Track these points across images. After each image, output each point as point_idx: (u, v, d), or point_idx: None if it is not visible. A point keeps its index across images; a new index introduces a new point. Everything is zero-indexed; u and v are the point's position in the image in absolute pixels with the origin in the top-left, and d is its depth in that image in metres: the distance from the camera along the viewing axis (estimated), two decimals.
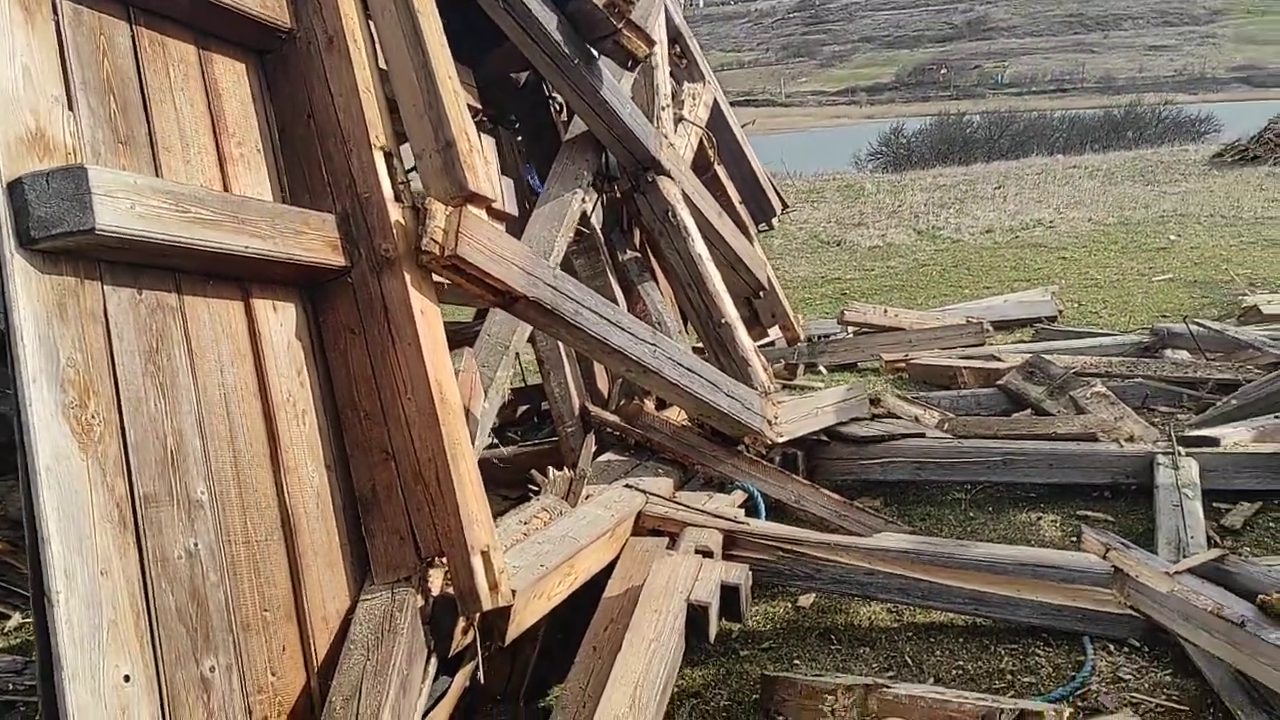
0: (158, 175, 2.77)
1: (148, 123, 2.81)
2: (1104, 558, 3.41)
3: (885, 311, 8.12)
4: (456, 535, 2.92)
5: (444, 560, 2.95)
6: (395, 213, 3.09)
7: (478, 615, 2.98)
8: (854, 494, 5.02)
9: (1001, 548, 3.95)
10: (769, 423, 4.49)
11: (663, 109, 5.36)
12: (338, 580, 2.94)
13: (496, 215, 3.36)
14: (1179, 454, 4.52)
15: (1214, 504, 4.49)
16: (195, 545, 2.56)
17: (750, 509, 4.46)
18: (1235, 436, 4.76)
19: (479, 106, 4.39)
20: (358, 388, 3.07)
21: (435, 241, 3.07)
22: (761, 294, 6.03)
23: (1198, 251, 10.86)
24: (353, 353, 3.09)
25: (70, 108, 2.59)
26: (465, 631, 3.01)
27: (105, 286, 2.53)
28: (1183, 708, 3.25)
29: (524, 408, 6.50)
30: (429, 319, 3.09)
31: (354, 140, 3.13)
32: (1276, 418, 4.91)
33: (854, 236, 14.22)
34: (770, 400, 4.65)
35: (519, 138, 5.39)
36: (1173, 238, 11.70)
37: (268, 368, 2.90)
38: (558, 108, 5.25)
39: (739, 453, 4.54)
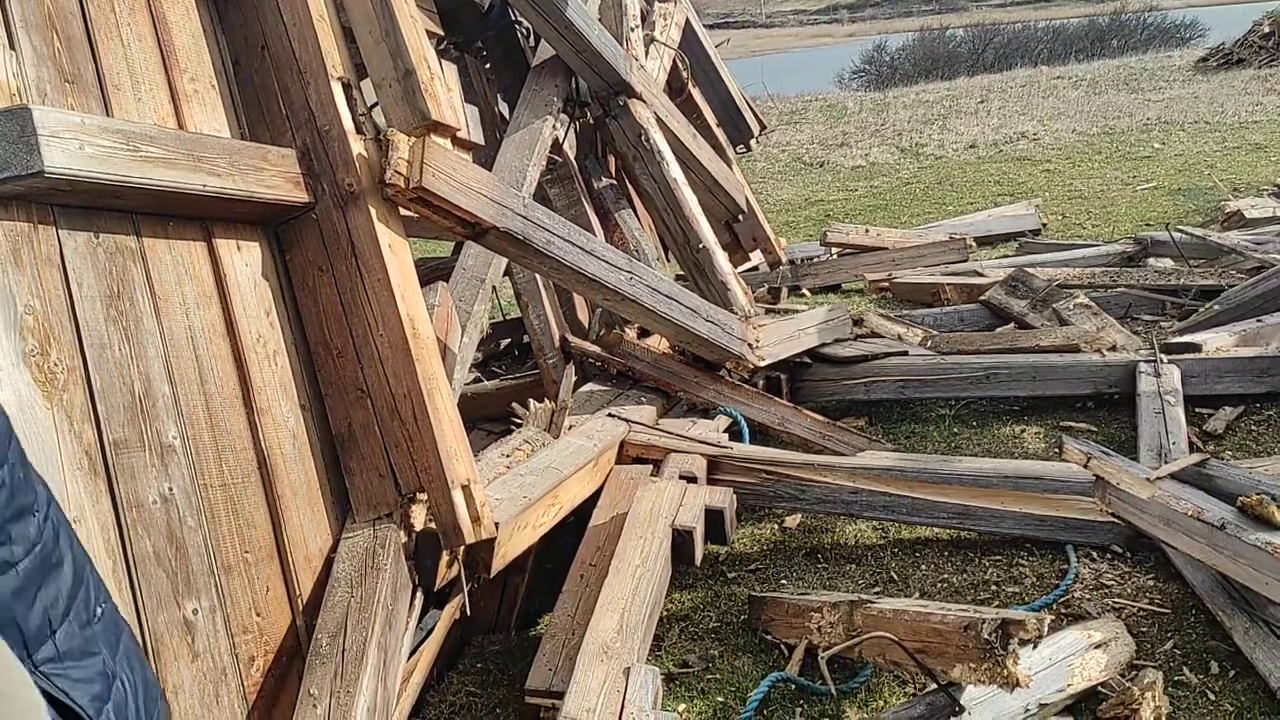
0: (108, 114, 2.69)
1: (94, 60, 2.72)
2: (1085, 466, 3.41)
3: (867, 231, 8.05)
4: (436, 470, 2.91)
5: (424, 496, 2.94)
6: (357, 145, 3.02)
7: (462, 549, 2.99)
8: (839, 415, 5.02)
9: (984, 461, 3.96)
10: (750, 346, 4.46)
11: (631, 30, 5.23)
12: (319, 519, 2.93)
13: (462, 145, 3.29)
14: (1161, 361, 4.51)
15: (1196, 409, 4.51)
16: (170, 490, 2.54)
17: (735, 434, 4.46)
18: (1217, 342, 4.75)
19: (441, 33, 4.28)
20: (329, 326, 3.03)
21: (399, 174, 3.00)
22: (741, 217, 5.95)
23: (1181, 159, 10.77)
24: (322, 290, 3.04)
25: (11, 46, 2.50)
26: (450, 565, 3.02)
27: (60, 231, 2.47)
28: (1165, 610, 3.29)
29: (507, 341, 6.46)
30: (397, 253, 3.04)
31: (310, 72, 3.04)
32: (1258, 321, 4.90)
33: (837, 157, 14.07)
34: (751, 324, 4.62)
35: (487, 65, 5.27)
36: (1157, 145, 11.60)
37: (235, 309, 2.85)
38: (525, 32, 5.12)
39: (721, 378, 4.53)
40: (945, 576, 3.70)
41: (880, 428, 4.92)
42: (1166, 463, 3.64)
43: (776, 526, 4.19)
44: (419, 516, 2.97)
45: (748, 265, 7.59)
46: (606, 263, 3.73)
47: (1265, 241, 6.46)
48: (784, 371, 4.92)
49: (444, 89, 3.17)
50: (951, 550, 3.84)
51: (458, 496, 2.91)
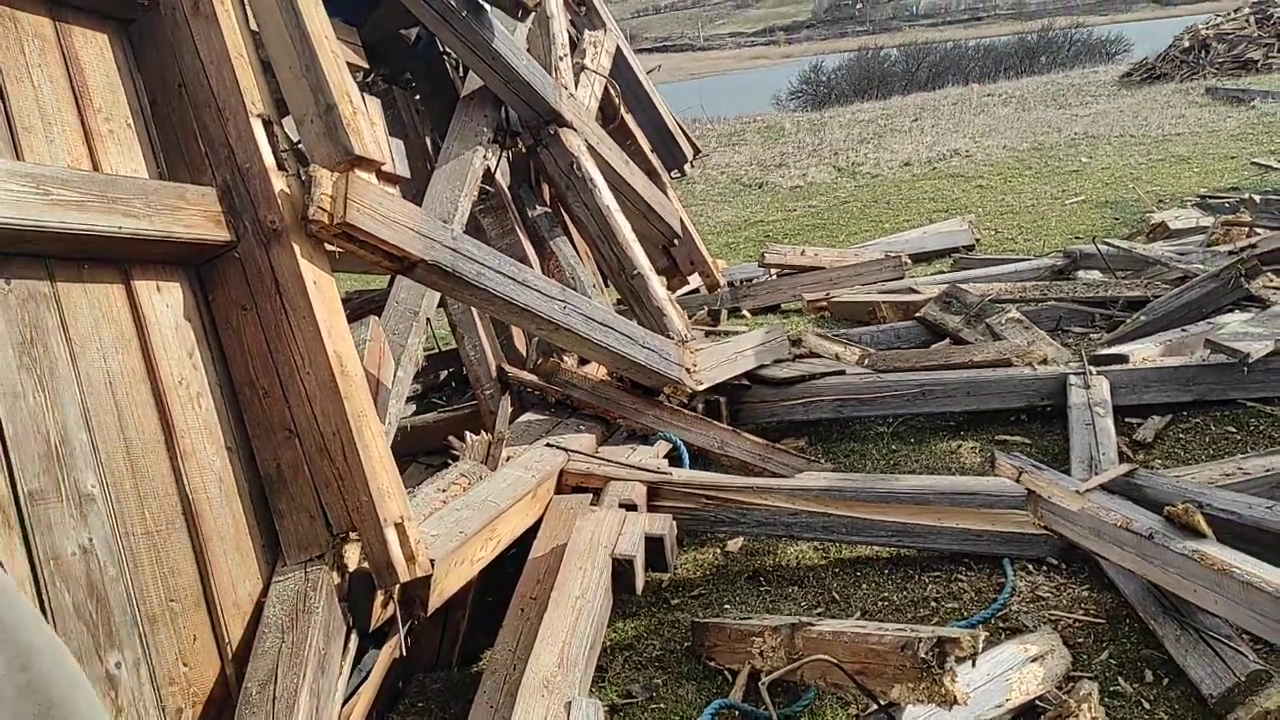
0: (18, 157, 2.63)
1: (3, 102, 2.66)
2: (1018, 480, 3.46)
3: (803, 252, 8.13)
4: (368, 509, 2.86)
5: (357, 535, 2.89)
6: (279, 182, 2.98)
7: (397, 587, 2.94)
8: (779, 435, 5.04)
9: (921, 478, 4.00)
10: (688, 371, 4.47)
11: (560, 59, 5.24)
12: (248, 564, 2.87)
13: (388, 178, 3.27)
14: (1090, 373, 4.60)
15: (1126, 419, 4.59)
16: (90, 540, 2.47)
17: (675, 459, 4.46)
18: (1144, 352, 4.85)
19: (366, 66, 4.25)
20: (254, 365, 2.98)
21: (323, 210, 2.97)
22: (677, 242, 5.98)
23: (1109, 172, 11.04)
24: (246, 330, 2.99)
25: None
26: (385, 605, 2.96)
27: None
28: (1099, 621, 3.33)
29: (447, 372, 6.41)
30: (323, 289, 3.00)
31: (229, 109, 3.00)
32: (1183, 331, 5.02)
33: (775, 177, 14.21)
34: (688, 348, 4.63)
35: (417, 96, 5.25)
36: (1084, 160, 11.88)
37: (155, 351, 2.79)
38: (454, 63, 5.11)
39: (660, 403, 4.53)
40: (886, 595, 3.72)
41: (820, 447, 4.95)
42: (1097, 474, 3.70)
43: (719, 551, 4.19)
44: (352, 556, 2.91)
45: (687, 289, 7.62)
46: (539, 292, 3.72)
47: (1189, 252, 6.63)
48: (723, 394, 4.94)
49: (367, 123, 3.15)
50: (892, 568, 3.86)
51: (390, 535, 2.86)
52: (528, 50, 5.01)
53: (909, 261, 7.59)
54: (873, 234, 10.02)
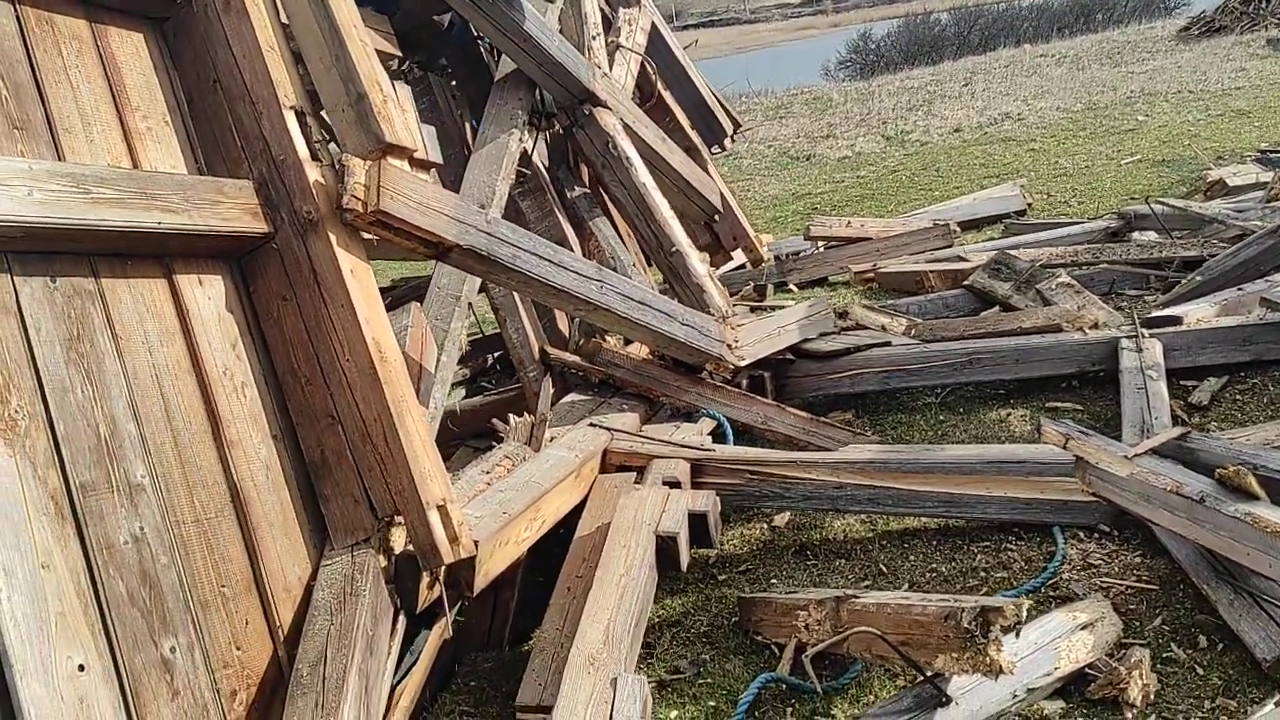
0: (59, 158, 2.70)
1: (43, 105, 2.73)
2: (1064, 447, 3.40)
3: (849, 223, 8.04)
4: (410, 492, 2.90)
5: (401, 519, 2.94)
6: (314, 173, 3.02)
7: (442, 569, 2.98)
8: (825, 409, 5.01)
9: (968, 448, 3.96)
10: (729, 347, 4.46)
11: (593, 39, 5.23)
12: (296, 548, 2.93)
13: (420, 165, 3.30)
14: (1142, 336, 4.50)
15: (1181, 382, 4.49)
16: (141, 529, 2.54)
17: (719, 436, 4.45)
18: (1198, 313, 4.73)
19: (398, 54, 4.28)
20: (296, 354, 3.03)
21: (357, 198, 3.01)
22: (717, 217, 5.95)
23: (1165, 130, 10.74)
24: (287, 319, 3.04)
25: None
26: (431, 586, 3.01)
27: (15, 278, 2.48)
28: (1152, 587, 3.28)
29: (494, 356, 6.46)
30: (360, 278, 3.04)
31: (263, 102, 3.05)
32: (1239, 290, 4.88)
33: (823, 149, 14.06)
34: (729, 324, 4.61)
35: (453, 82, 5.28)
36: (1140, 118, 11.57)
37: (200, 343, 2.86)
38: (488, 47, 5.12)
39: (703, 380, 4.52)
40: (934, 566, 3.69)
41: (867, 419, 4.91)
42: (1148, 438, 3.62)
43: (765, 526, 4.19)
44: (398, 540, 2.96)
45: (733, 264, 7.59)
46: (576, 273, 3.73)
47: (1247, 209, 6.44)
48: (768, 370, 4.92)
49: (398, 111, 3.17)
50: (940, 539, 3.83)
51: (433, 517, 2.90)
52: (560, 31, 5.00)
53: (957, 229, 7.47)
54: (922, 202, 9.87)
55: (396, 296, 5.50)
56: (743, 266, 7.62)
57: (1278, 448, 3.55)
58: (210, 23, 3.12)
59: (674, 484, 3.85)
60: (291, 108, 3.06)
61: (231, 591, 2.72)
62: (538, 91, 4.92)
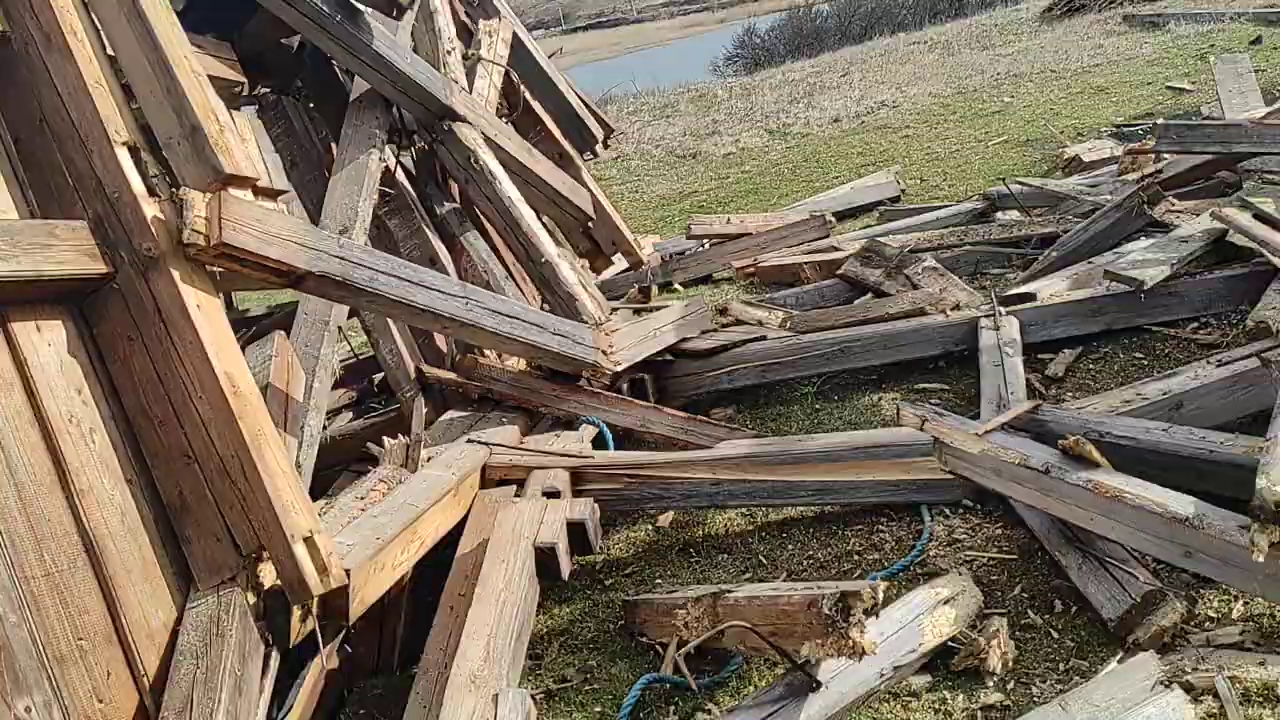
0: None
1: None
2: (922, 429, 3.52)
3: (729, 220, 8.16)
4: (274, 527, 2.87)
5: (267, 553, 2.90)
6: (151, 209, 2.96)
7: (313, 601, 2.95)
8: (707, 407, 5.09)
9: (836, 436, 4.07)
10: (604, 353, 4.50)
11: (448, 53, 5.21)
12: (160, 594, 2.87)
13: (266, 193, 3.25)
14: (1000, 314, 4.67)
15: (1039, 356, 4.67)
16: None
17: (602, 442, 4.49)
18: (1051, 288, 4.93)
19: (242, 79, 4.21)
20: (146, 394, 2.97)
21: (198, 232, 2.96)
22: (591, 224, 5.98)
23: (1030, 110, 11.12)
24: (134, 360, 2.98)
25: None
26: (303, 619, 2.98)
27: None
28: (1012, 557, 3.41)
29: (381, 376, 6.38)
30: (207, 312, 2.99)
31: (93, 140, 2.98)
32: (1089, 264, 5.10)
33: (708, 146, 14.20)
34: (603, 331, 4.65)
35: (310, 105, 5.21)
36: (1007, 99, 11.96)
37: (41, 391, 2.78)
38: (343, 67, 5.07)
39: (581, 388, 4.55)
40: (811, 553, 3.78)
41: (748, 413, 5.00)
42: (1003, 413, 3.77)
43: (650, 527, 4.24)
44: (267, 575, 2.92)
45: (618, 268, 7.63)
46: (439, 291, 3.73)
47: (1100, 184, 6.72)
48: (648, 372, 4.98)
49: (237, 140, 3.13)
50: (816, 526, 3.92)
51: (300, 550, 2.87)
52: (414, 47, 4.98)
53: (833, 220, 7.64)
54: (804, 194, 10.05)
55: (275, 322, 5.41)
56: (629, 270, 7.67)
57: (1124, 414, 3.73)
58: (32, 61, 3.04)
59: (554, 494, 3.87)
60: (124, 144, 2.99)
61: (90, 644, 2.65)
62: (396, 109, 4.89)
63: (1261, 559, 2.57)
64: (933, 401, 4.59)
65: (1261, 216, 4.61)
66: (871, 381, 4.97)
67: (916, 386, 4.77)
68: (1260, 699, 2.48)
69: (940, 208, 7.58)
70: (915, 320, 4.91)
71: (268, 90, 4.96)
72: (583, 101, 7.00)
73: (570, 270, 4.95)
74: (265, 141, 5.11)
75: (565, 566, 3.58)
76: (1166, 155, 6.29)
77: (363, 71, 4.54)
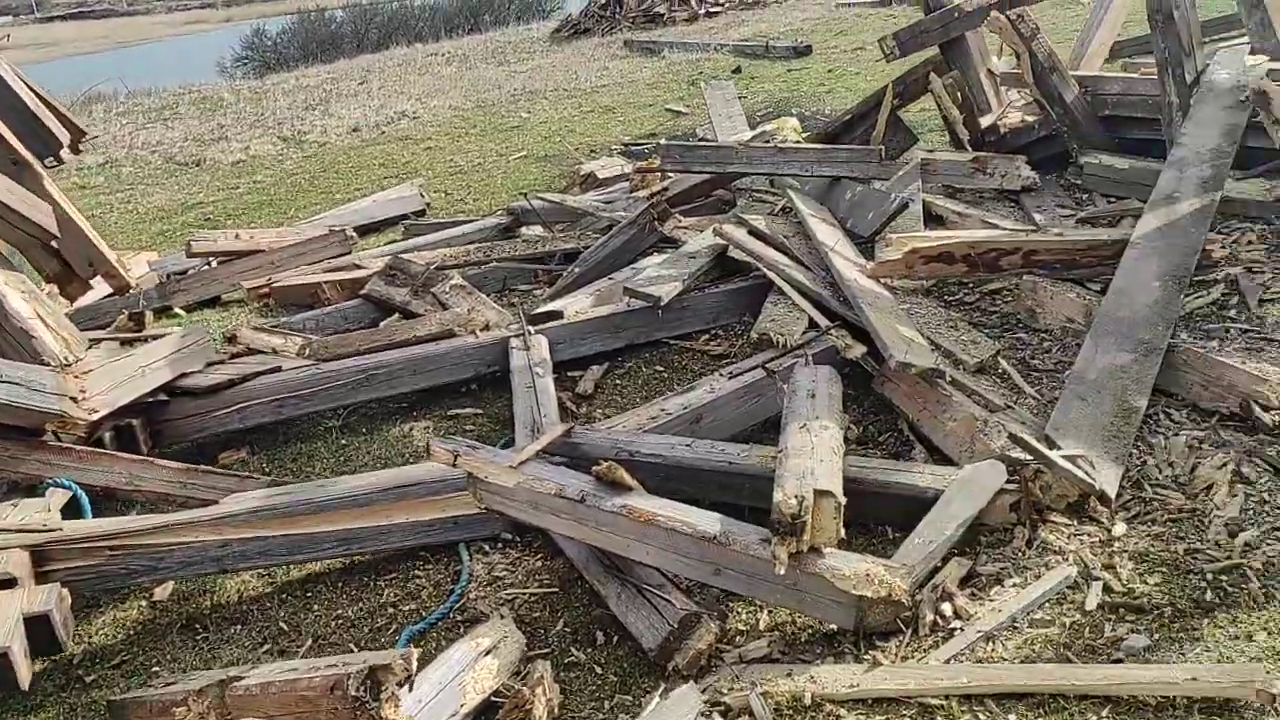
0: None
1: None
2: (454, 465, 3.28)
3: (238, 235, 7.40)
4: None
5: None
6: None
7: None
8: (216, 451, 4.46)
9: (361, 478, 3.71)
10: (74, 400, 3.74)
11: None
12: None
13: None
14: (529, 334, 4.59)
15: (569, 374, 4.65)
16: None
17: (76, 508, 3.73)
18: (576, 305, 4.95)
19: None
20: None
21: None
22: (55, 242, 5.03)
23: (547, 126, 11.46)
24: None
25: None
26: None
27: None
28: (554, 590, 3.29)
29: None
30: None
31: None
32: (610, 280, 5.21)
33: (215, 153, 13.00)
34: (71, 373, 3.88)
35: None
36: (524, 115, 12.25)
37: None
38: None
39: (45, 444, 3.75)
40: (340, 611, 3.39)
41: (264, 455, 4.46)
42: (538, 437, 3.64)
43: (145, 603, 3.57)
44: None
45: (107, 294, 6.59)
46: None
47: (615, 200, 6.97)
48: (138, 416, 4.25)
49: None
50: (345, 579, 3.54)
51: None
52: None
53: (354, 235, 7.19)
54: (323, 207, 9.47)
55: None
56: (114, 294, 6.64)
57: (650, 430, 3.77)
58: None
59: (9, 583, 3.10)
60: None
61: None
62: None
63: (783, 570, 2.64)
64: (467, 428, 4.40)
65: (755, 233, 4.97)
66: (402, 410, 4.66)
67: (449, 412, 4.54)
68: (790, 711, 2.52)
69: (466, 222, 7.46)
70: (445, 343, 4.67)
71: None
72: (43, 101, 5.91)
73: (22, 301, 4.07)
74: None
75: (25, 674, 2.87)
76: (672, 174, 6.66)
77: None
